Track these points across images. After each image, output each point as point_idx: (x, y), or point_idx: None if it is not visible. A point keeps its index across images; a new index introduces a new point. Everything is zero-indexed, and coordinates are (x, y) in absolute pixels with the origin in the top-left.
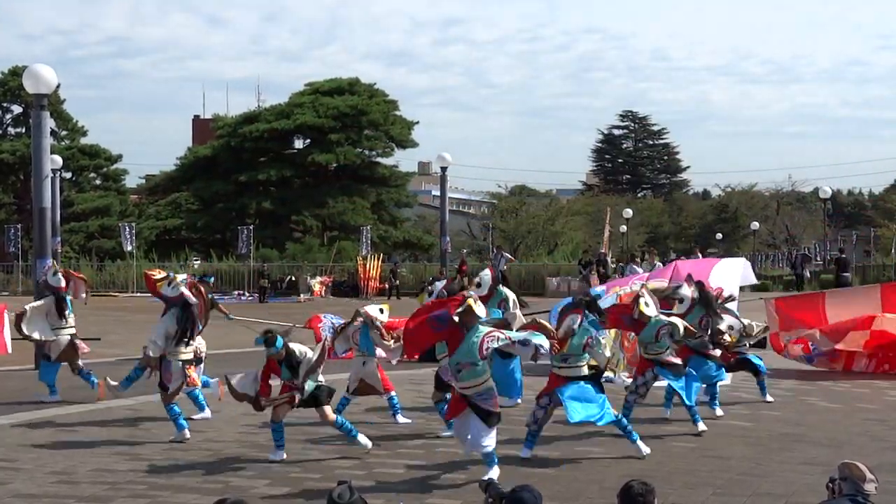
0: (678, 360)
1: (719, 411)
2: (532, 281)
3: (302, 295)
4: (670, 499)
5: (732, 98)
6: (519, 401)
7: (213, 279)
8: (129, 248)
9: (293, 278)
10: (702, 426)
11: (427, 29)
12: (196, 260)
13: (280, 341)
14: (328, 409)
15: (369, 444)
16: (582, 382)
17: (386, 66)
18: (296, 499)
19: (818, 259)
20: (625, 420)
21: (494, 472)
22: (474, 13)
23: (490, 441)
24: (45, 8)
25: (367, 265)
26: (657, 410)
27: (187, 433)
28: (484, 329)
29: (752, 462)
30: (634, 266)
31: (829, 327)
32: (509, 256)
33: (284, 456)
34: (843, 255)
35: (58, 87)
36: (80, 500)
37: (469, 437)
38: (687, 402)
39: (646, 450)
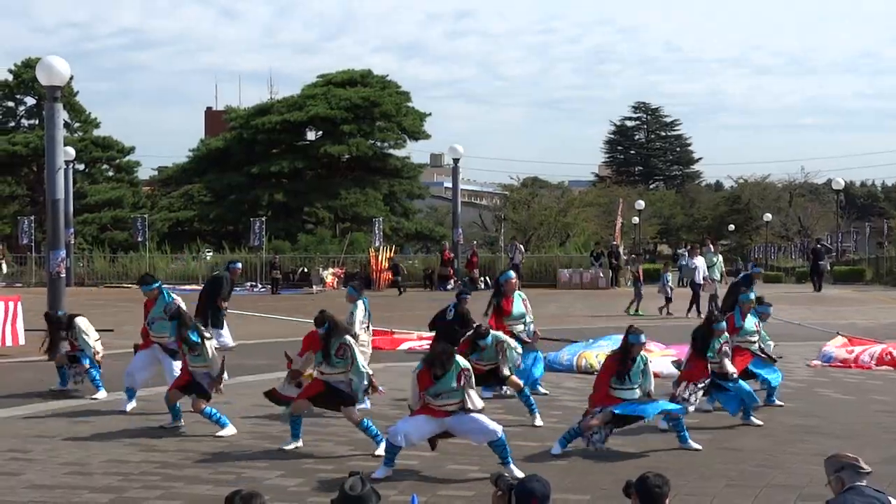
0: (734, 369)
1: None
2: (544, 272)
3: (314, 286)
4: (684, 490)
5: (745, 90)
6: (543, 390)
7: (239, 265)
8: (141, 239)
9: (305, 270)
10: (756, 420)
11: (439, 21)
12: (208, 251)
13: (327, 325)
14: (353, 410)
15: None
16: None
17: (398, 58)
18: (308, 490)
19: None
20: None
21: (515, 470)
22: (486, 5)
23: (495, 425)
24: (58, 1)
25: (380, 257)
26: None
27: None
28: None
29: (765, 454)
30: (691, 259)
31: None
32: (523, 250)
33: (300, 444)
34: (819, 246)
35: (71, 79)
36: (94, 490)
37: (475, 430)
38: (732, 413)
39: (696, 445)
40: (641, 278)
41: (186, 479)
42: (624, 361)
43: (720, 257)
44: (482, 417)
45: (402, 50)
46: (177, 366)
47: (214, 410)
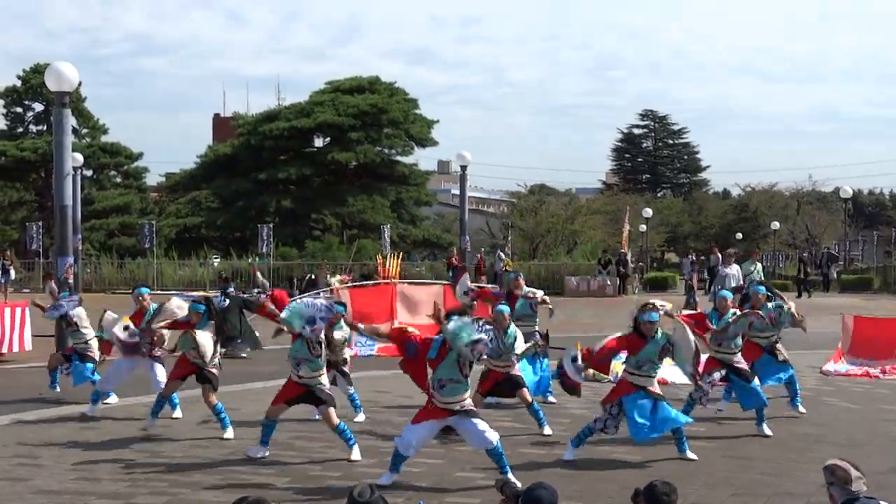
0: (745, 365)
1: (802, 408)
2: (551, 280)
3: (321, 293)
4: (690, 499)
5: (753, 96)
6: (552, 399)
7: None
8: (148, 245)
9: (313, 276)
10: (767, 430)
11: (447, 27)
12: (216, 258)
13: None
14: (331, 411)
15: (359, 457)
16: (647, 397)
17: (406, 64)
18: (316, 497)
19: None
20: (682, 434)
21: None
22: (493, 11)
23: (492, 434)
24: (66, 5)
25: (387, 264)
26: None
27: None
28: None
29: (772, 462)
30: (724, 267)
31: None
32: (504, 258)
33: (266, 454)
34: (805, 254)
35: (79, 84)
36: (101, 496)
37: (472, 436)
38: (744, 408)
39: (692, 455)
40: (696, 287)
41: (193, 485)
42: (639, 341)
43: (758, 265)
44: (481, 424)
45: (410, 56)
46: (160, 371)
47: (223, 410)
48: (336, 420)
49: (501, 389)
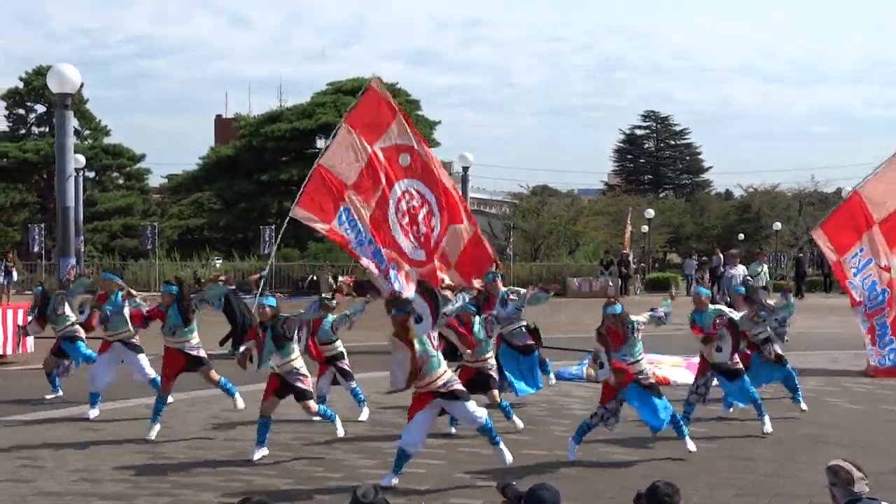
0: (739, 366)
1: (804, 405)
2: (553, 281)
3: (323, 294)
4: (693, 500)
5: (755, 98)
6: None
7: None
8: (150, 247)
9: (315, 278)
10: (768, 427)
11: (450, 29)
12: (218, 259)
13: (272, 300)
14: (310, 403)
15: (342, 432)
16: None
17: (408, 65)
18: (318, 498)
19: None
20: (680, 419)
21: (507, 457)
22: (497, 13)
23: (481, 412)
24: (69, 8)
25: None
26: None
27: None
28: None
29: (774, 463)
30: (729, 268)
31: (884, 227)
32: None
33: (266, 453)
34: (801, 255)
35: (81, 86)
36: (103, 498)
37: (463, 417)
38: (741, 405)
39: (692, 447)
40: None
41: (196, 486)
42: (604, 338)
43: (764, 267)
44: (470, 405)
45: (412, 58)
46: (142, 358)
47: (228, 381)
48: (315, 407)
49: (473, 386)
